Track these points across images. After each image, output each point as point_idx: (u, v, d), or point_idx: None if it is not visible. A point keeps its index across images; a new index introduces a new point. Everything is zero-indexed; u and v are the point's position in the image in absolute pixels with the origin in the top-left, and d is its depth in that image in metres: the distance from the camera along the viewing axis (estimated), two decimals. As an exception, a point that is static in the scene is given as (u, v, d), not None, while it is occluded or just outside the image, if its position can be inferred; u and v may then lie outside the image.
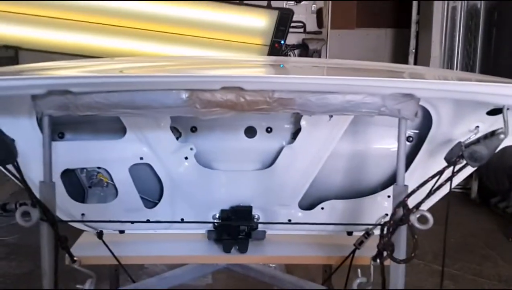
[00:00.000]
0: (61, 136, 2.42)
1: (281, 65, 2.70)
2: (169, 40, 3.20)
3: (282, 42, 3.19)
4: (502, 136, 1.83)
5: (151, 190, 2.55)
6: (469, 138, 2.05)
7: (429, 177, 1.99)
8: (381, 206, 2.48)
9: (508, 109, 1.83)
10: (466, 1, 6.73)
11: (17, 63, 4.87)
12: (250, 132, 2.50)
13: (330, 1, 7.54)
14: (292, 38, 7.20)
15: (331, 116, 2.31)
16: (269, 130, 2.50)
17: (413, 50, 7.41)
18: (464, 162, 1.95)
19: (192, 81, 1.89)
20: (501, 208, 5.90)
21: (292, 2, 7.65)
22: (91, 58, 2.92)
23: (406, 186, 2.02)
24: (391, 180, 2.47)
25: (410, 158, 2.39)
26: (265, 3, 7.46)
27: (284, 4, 7.65)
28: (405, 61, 7.52)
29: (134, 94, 1.90)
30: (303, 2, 7.67)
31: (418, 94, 1.86)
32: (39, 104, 1.90)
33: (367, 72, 2.41)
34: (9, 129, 2.09)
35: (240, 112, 1.93)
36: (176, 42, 3.21)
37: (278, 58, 3.23)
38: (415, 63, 7.44)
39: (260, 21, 3.24)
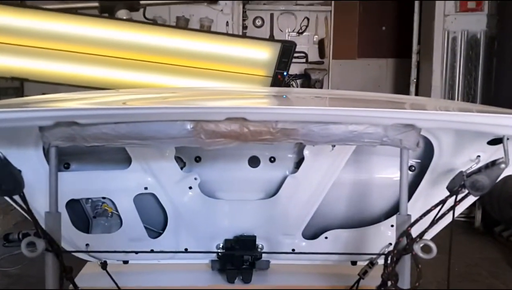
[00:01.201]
0: (66, 167, 2.45)
1: (284, 96, 2.74)
2: (173, 72, 3.25)
3: (285, 73, 3.24)
4: (503, 165, 1.85)
5: (155, 220, 2.56)
6: (471, 167, 2.07)
7: (432, 207, 2.00)
8: (384, 235, 2.48)
9: (508, 139, 1.85)
10: (466, 31, 6.81)
11: (22, 93, 4.94)
12: (254, 161, 2.53)
13: (332, 32, 7.66)
14: (295, 68, 7.30)
15: (333, 146, 2.33)
16: (272, 159, 2.53)
17: (414, 80, 7.46)
18: (466, 191, 1.96)
19: (197, 112, 1.92)
20: (505, 237, 5.87)
21: (294, 34, 7.78)
22: (97, 90, 2.96)
23: (409, 215, 2.03)
24: (394, 209, 2.48)
25: (412, 187, 2.40)
26: (267, 34, 7.63)
27: (286, 36, 7.81)
28: (407, 91, 7.58)
29: (140, 125, 1.93)
30: (305, 33, 7.80)
31: (419, 124, 1.89)
32: (47, 135, 1.92)
33: (369, 103, 2.45)
34: (15, 160, 2.11)
35: (244, 142, 1.95)
36: (180, 74, 3.26)
37: (280, 89, 3.27)
38: (417, 93, 7.49)
39: (263, 53, 3.30)
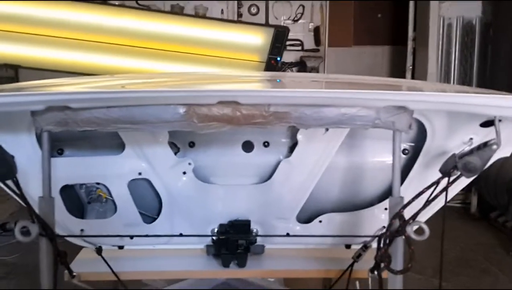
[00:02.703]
0: (60, 153, 2.45)
1: (278, 80, 2.74)
2: (168, 58, 3.24)
3: (278, 58, 3.23)
4: (494, 146, 1.85)
5: (150, 205, 2.56)
6: (463, 149, 2.07)
7: (424, 188, 2.01)
8: (378, 218, 2.49)
9: (500, 120, 1.86)
10: (461, 18, 6.80)
11: (17, 82, 4.92)
12: (248, 146, 2.53)
13: (327, 20, 7.64)
14: (290, 56, 7.29)
15: (327, 129, 2.33)
16: (266, 144, 2.53)
17: (410, 67, 7.46)
18: (459, 173, 1.97)
19: (189, 96, 1.92)
20: (500, 222, 5.90)
21: (290, 21, 7.76)
22: (90, 76, 2.95)
23: (401, 197, 2.04)
24: (388, 192, 2.48)
25: (406, 171, 2.41)
26: (262, 22, 7.60)
27: (281, 23, 7.78)
28: (403, 78, 7.57)
29: (132, 109, 1.93)
30: (300, 21, 7.78)
31: (411, 106, 1.89)
32: (39, 120, 1.93)
33: (363, 85, 2.45)
34: (8, 146, 2.11)
35: (237, 126, 1.96)
36: (174, 60, 3.25)
37: (274, 73, 3.27)
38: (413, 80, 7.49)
39: (257, 38, 3.29)
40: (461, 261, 5.00)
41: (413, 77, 7.49)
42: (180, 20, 3.32)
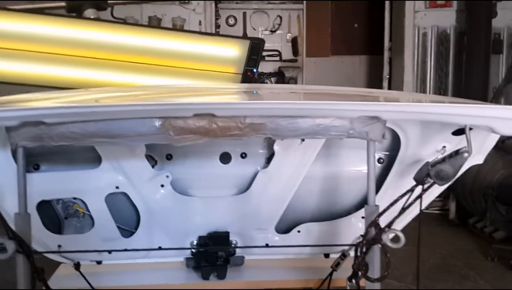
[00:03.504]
0: (36, 168, 2.43)
1: (254, 92, 2.76)
2: (143, 71, 3.24)
3: (255, 70, 3.26)
4: (465, 154, 1.89)
5: (128, 219, 2.55)
6: (436, 158, 2.11)
7: (398, 197, 2.04)
8: (356, 227, 2.51)
9: (471, 129, 1.90)
10: (436, 27, 6.92)
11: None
12: (225, 158, 2.54)
13: (305, 30, 7.71)
14: (269, 66, 7.34)
15: (303, 140, 2.36)
16: (243, 155, 2.54)
17: (387, 76, 7.56)
18: (432, 181, 2.00)
19: (164, 109, 1.92)
20: (479, 228, 5.97)
21: (268, 32, 7.82)
22: (65, 90, 2.94)
23: (377, 206, 2.07)
24: (365, 201, 2.51)
25: (381, 179, 2.44)
26: (240, 33, 7.65)
27: (259, 34, 7.84)
28: (380, 87, 7.66)
29: (108, 123, 1.92)
30: (278, 32, 7.84)
31: (384, 116, 1.93)
32: (13, 135, 1.91)
33: (337, 96, 2.48)
34: (-18, 162, 2.10)
35: (213, 138, 1.97)
36: (150, 73, 3.26)
37: (251, 85, 3.30)
38: (390, 89, 7.58)
39: (233, 51, 3.31)
40: (440, 268, 5.04)
41: (390, 86, 7.58)
42: (155, 32, 3.33)
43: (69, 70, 3.26)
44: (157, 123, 1.91)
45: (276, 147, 2.44)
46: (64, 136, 1.92)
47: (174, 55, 3.29)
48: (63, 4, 3.58)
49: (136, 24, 4.80)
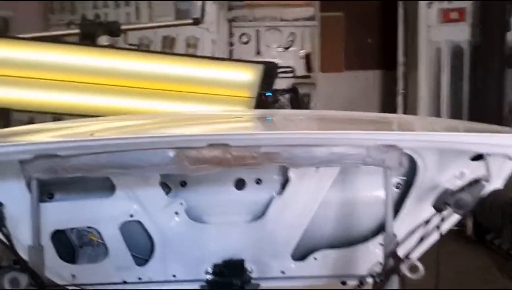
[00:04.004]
0: (50, 197, 2.41)
1: (268, 118, 2.75)
2: (156, 96, 3.25)
3: (269, 94, 3.26)
4: (485, 182, 1.86)
5: (142, 247, 2.52)
6: (455, 184, 2.08)
7: (416, 226, 2.00)
8: (373, 253, 2.46)
9: (489, 155, 1.87)
10: (450, 41, 6.87)
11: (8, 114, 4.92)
12: (240, 184, 2.51)
13: (318, 46, 7.71)
14: (282, 83, 7.32)
15: (317, 167, 2.33)
16: (258, 181, 2.51)
17: (402, 91, 7.52)
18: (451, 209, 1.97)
19: (179, 140, 1.92)
20: (496, 244, 5.89)
21: (281, 49, 7.82)
22: (77, 119, 2.95)
23: (395, 235, 2.03)
24: (382, 227, 2.47)
25: (399, 204, 2.40)
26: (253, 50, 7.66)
27: (273, 51, 7.84)
28: (394, 102, 7.63)
29: (122, 155, 1.94)
30: (291, 48, 7.85)
31: (400, 145, 1.90)
32: (27, 168, 1.93)
33: (353, 124, 2.45)
34: (-2, 193, 2.10)
35: (228, 168, 1.96)
36: (163, 98, 3.26)
37: (264, 111, 3.28)
38: (405, 104, 7.54)
39: (246, 75, 3.31)
40: (457, 285, 4.96)
41: (405, 101, 7.54)
42: (169, 59, 3.34)
43: (84, 98, 3.29)
44: (171, 154, 1.92)
45: (291, 174, 2.41)
46: (77, 168, 1.93)
47: (187, 80, 3.29)
48: (77, 31, 3.62)
49: (149, 50, 4.82)
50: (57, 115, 3.32)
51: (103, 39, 3.37)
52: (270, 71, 3.24)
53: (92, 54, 3.25)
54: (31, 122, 4.89)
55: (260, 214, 2.51)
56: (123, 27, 3.61)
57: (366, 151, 1.93)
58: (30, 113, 3.18)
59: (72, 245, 2.53)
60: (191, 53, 6.53)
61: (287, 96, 7.72)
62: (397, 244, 2.00)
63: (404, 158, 2.05)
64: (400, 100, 7.62)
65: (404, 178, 2.47)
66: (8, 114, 3.56)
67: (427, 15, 6.87)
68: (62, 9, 6.47)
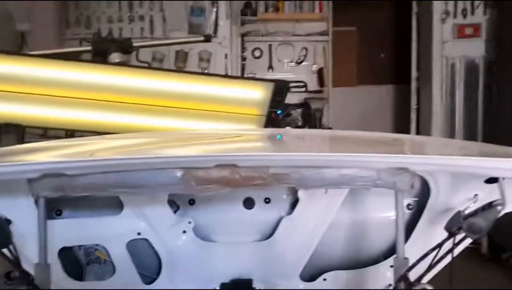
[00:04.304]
0: (58, 214, 2.41)
1: (278, 136, 2.73)
2: (166, 114, 3.25)
3: (279, 112, 3.24)
4: (499, 207, 1.83)
5: (149, 265, 2.51)
6: (468, 207, 2.04)
7: (429, 250, 1.97)
8: (384, 276, 2.43)
9: (504, 178, 1.83)
10: (464, 57, 6.82)
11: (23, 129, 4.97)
12: (249, 203, 2.49)
13: (330, 61, 7.69)
14: (294, 98, 7.31)
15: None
16: (267, 201, 2.49)
17: (415, 107, 7.47)
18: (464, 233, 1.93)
19: (186, 161, 1.91)
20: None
21: (293, 64, 7.82)
22: (85, 137, 2.96)
23: (406, 258, 2.00)
24: (393, 249, 2.43)
25: (411, 226, 2.36)
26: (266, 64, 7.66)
27: (285, 66, 7.84)
28: (408, 117, 7.57)
29: (129, 174, 1.94)
30: (303, 63, 7.84)
31: (412, 168, 1.87)
32: (35, 186, 1.93)
33: (364, 145, 2.42)
34: (6, 209, 2.10)
35: (236, 188, 1.94)
36: (173, 115, 3.27)
37: (274, 129, 3.26)
38: (417, 119, 7.49)
39: (256, 93, 3.30)
40: (473, 306, 4.87)
41: (418, 117, 7.48)
42: (179, 76, 3.35)
43: (95, 114, 3.30)
44: (179, 174, 1.92)
45: (300, 194, 2.38)
46: (85, 187, 1.94)
47: (198, 98, 3.30)
48: (89, 48, 3.65)
49: (159, 68, 4.85)
50: (68, 131, 3.34)
51: (115, 56, 3.39)
52: (280, 89, 3.23)
53: (103, 72, 3.27)
54: (44, 135, 4.95)
55: (269, 234, 2.48)
56: (135, 44, 3.63)
57: (377, 174, 1.91)
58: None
59: (79, 262, 2.52)
60: (204, 67, 6.55)
61: (298, 110, 7.71)
62: (409, 268, 1.95)
63: (416, 180, 2.02)
64: (413, 115, 7.56)
65: (415, 199, 2.44)
66: (21, 130, 3.60)
67: (442, 30, 6.83)
68: (77, 23, 6.54)
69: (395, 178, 1.91)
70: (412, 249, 2.13)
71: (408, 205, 2.42)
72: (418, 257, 2.09)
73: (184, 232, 2.43)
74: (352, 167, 1.89)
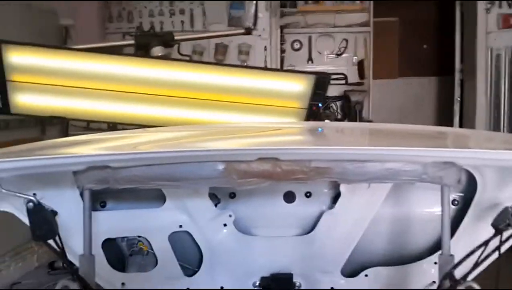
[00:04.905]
0: (103, 205, 2.45)
1: (319, 129, 2.69)
2: (208, 107, 3.27)
3: (320, 105, 3.20)
4: None
5: (191, 257, 2.53)
6: (517, 203, 1.97)
7: (475, 247, 1.91)
8: (428, 273, 2.37)
9: None
10: (510, 48, 6.61)
11: (67, 122, 5.08)
12: (289, 197, 2.47)
13: (371, 52, 7.57)
14: (334, 90, 7.23)
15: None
16: (308, 195, 2.47)
17: (458, 99, 7.29)
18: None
19: (228, 154, 1.91)
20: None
21: (333, 55, 7.73)
22: (127, 130, 3.00)
23: (452, 255, 1.94)
24: (437, 245, 2.37)
25: (456, 222, 2.30)
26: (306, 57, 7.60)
27: (325, 58, 7.76)
28: (450, 110, 7.39)
29: (172, 167, 1.95)
30: (344, 55, 7.74)
31: (459, 162, 1.81)
32: (80, 178, 1.96)
33: (408, 138, 2.37)
34: (52, 201, 2.15)
35: (277, 181, 1.93)
36: (215, 108, 3.27)
37: (315, 123, 3.23)
38: (461, 112, 7.30)
39: (298, 86, 3.27)
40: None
41: (461, 109, 7.30)
42: (220, 69, 3.35)
43: (137, 107, 3.34)
44: (220, 167, 1.91)
45: (342, 188, 2.35)
46: (128, 179, 1.96)
47: (239, 91, 3.29)
48: (132, 42, 3.70)
49: (200, 61, 4.86)
50: (110, 124, 3.40)
51: (157, 50, 3.42)
52: (322, 82, 3.19)
53: (145, 65, 3.30)
54: (87, 127, 5.05)
55: (310, 228, 2.46)
56: (177, 37, 3.65)
57: (423, 168, 1.86)
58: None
59: (122, 253, 2.56)
60: (243, 60, 6.55)
61: (338, 103, 7.63)
62: (455, 265, 1.90)
63: (463, 175, 1.96)
64: (456, 107, 7.38)
65: (461, 194, 2.37)
66: (66, 123, 3.69)
67: (486, 20, 6.62)
68: (119, 17, 6.63)
69: (441, 172, 1.86)
70: (457, 246, 2.07)
71: (454, 200, 2.36)
72: (463, 254, 2.03)
73: (225, 225, 2.44)
74: (396, 161, 1.85)
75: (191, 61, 3.98)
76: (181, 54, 3.88)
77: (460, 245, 2.13)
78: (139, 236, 2.50)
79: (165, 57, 3.40)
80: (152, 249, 2.49)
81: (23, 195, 2.06)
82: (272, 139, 2.47)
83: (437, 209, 2.33)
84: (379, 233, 2.44)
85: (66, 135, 6.03)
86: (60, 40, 6.35)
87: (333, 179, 1.94)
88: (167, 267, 2.48)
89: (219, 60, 6.51)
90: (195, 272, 2.52)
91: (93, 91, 3.24)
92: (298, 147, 2.08)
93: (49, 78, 3.21)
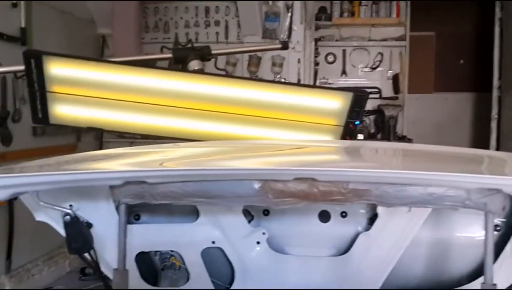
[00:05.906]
0: (137, 218, 2.46)
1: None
2: (243, 122, 3.25)
3: (357, 123, 3.16)
4: None
5: (223, 274, 2.51)
6: None
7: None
8: None
9: None
10: (552, 65, 6.42)
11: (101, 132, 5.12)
12: (324, 216, 2.43)
13: (407, 66, 7.47)
14: (368, 104, 7.12)
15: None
16: (344, 214, 2.42)
17: (496, 116, 7.10)
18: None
19: (265, 173, 1.88)
20: None
21: (368, 69, 7.65)
22: (161, 144, 3.02)
23: (495, 284, 1.87)
24: (478, 271, 2.29)
25: (498, 248, 2.22)
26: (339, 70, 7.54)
27: (359, 71, 7.69)
28: (488, 127, 7.21)
29: (207, 184, 1.94)
30: (378, 68, 7.66)
31: (506, 190, 1.75)
32: (117, 193, 1.98)
33: (449, 162, 2.30)
34: (88, 214, 2.16)
35: (313, 202, 1.90)
36: (250, 124, 3.26)
37: (352, 143, 3.18)
38: (498, 130, 7.12)
39: (334, 103, 3.23)
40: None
41: (498, 126, 7.11)
42: (255, 84, 3.34)
43: (172, 121, 3.35)
44: (256, 185, 1.90)
45: (379, 209, 2.30)
46: (164, 195, 1.96)
47: (274, 106, 3.27)
48: (170, 56, 3.72)
49: (236, 76, 4.85)
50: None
51: (194, 64, 3.43)
52: (360, 100, 3.14)
53: (182, 79, 3.31)
54: (121, 136, 5.09)
55: (345, 249, 2.41)
56: (214, 51, 3.66)
57: (467, 194, 1.80)
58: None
59: (155, 267, 2.56)
60: (277, 72, 6.53)
61: (371, 117, 7.53)
62: (498, 296, 1.83)
63: (507, 201, 1.89)
64: (493, 125, 7.19)
65: (503, 219, 2.29)
66: (101, 134, 3.73)
67: (527, 36, 6.46)
68: (155, 28, 6.71)
69: (486, 199, 1.80)
70: (499, 274, 1.99)
71: (496, 226, 2.28)
72: (504, 281, 1.96)
73: (258, 243, 2.41)
74: (438, 186, 1.79)
75: (227, 76, 3.98)
76: (218, 68, 3.88)
77: (501, 272, 2.06)
78: (172, 251, 2.49)
79: (202, 71, 3.41)
80: (184, 264, 2.48)
81: (60, 208, 2.08)
82: (309, 158, 2.43)
83: (477, 234, 2.27)
84: (417, 257, 2.38)
85: (101, 142, 6.12)
86: (98, 48, 6.45)
87: (372, 201, 1.89)
88: (199, 282, 2.46)
89: (253, 72, 6.50)
90: (227, 289, 2.49)
91: (130, 104, 3.26)
92: (336, 168, 2.04)
93: (87, 89, 3.24)
